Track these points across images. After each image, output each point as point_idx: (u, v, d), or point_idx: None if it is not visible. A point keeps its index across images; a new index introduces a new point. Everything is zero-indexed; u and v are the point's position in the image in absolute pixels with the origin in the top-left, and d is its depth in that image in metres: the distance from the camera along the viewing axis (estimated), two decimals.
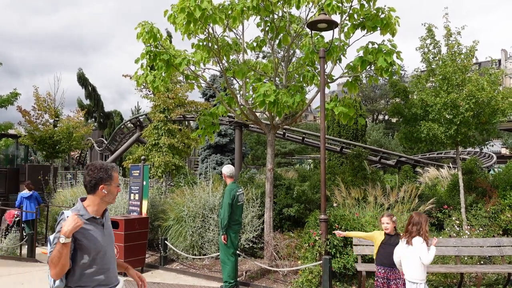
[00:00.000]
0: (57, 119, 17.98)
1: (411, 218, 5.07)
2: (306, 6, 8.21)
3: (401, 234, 5.22)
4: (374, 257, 5.59)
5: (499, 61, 63.83)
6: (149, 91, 16.86)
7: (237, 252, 7.46)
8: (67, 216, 2.86)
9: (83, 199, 3.08)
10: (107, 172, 3.06)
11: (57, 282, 2.86)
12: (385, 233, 5.51)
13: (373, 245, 7.09)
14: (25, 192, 12.59)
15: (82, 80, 48.31)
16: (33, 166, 18.78)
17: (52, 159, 18.34)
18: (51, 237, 2.85)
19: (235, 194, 7.15)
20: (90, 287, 2.92)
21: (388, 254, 5.30)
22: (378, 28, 8.00)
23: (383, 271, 5.37)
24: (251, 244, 8.98)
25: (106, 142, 34.65)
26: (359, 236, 6.24)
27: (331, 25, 7.42)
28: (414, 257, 4.91)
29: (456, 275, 7.37)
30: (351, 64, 8.35)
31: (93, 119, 48.64)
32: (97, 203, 3.05)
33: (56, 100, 18.25)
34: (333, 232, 6.67)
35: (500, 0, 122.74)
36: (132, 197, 9.81)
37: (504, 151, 36.19)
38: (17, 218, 12.11)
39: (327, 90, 8.30)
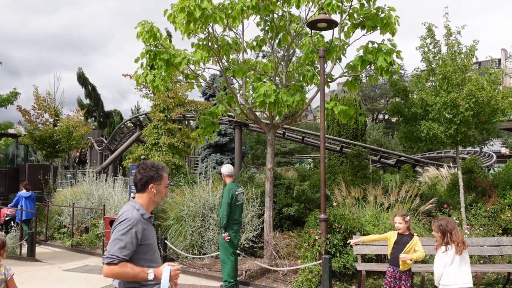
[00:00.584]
0: (57, 118, 17.97)
1: (447, 225, 4.75)
2: (306, 5, 8.21)
3: (436, 244, 4.89)
4: (388, 257, 5.54)
5: (499, 60, 63.82)
6: (149, 91, 16.89)
7: (237, 251, 7.46)
8: (137, 221, 2.89)
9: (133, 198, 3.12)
10: (158, 172, 3.07)
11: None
12: (398, 233, 5.42)
13: (373, 245, 7.14)
14: (25, 192, 12.60)
15: (82, 79, 48.28)
16: (33, 165, 18.77)
17: (52, 158, 18.34)
18: (118, 243, 2.81)
19: (234, 194, 7.14)
20: (150, 285, 2.91)
21: (400, 253, 5.24)
22: (378, 28, 8.00)
23: (392, 270, 5.33)
24: (251, 244, 8.98)
25: (106, 142, 34.64)
26: (373, 240, 6.07)
27: (331, 24, 7.41)
28: (466, 263, 4.69)
29: None
30: (351, 63, 8.35)
31: (93, 119, 48.62)
32: (147, 202, 3.07)
33: (56, 99, 18.24)
34: (348, 242, 6.33)
35: (500, 0, 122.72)
36: (132, 196, 9.81)
37: (504, 150, 36.18)
38: (7, 218, 12.13)
39: (327, 90, 8.29)
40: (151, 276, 2.84)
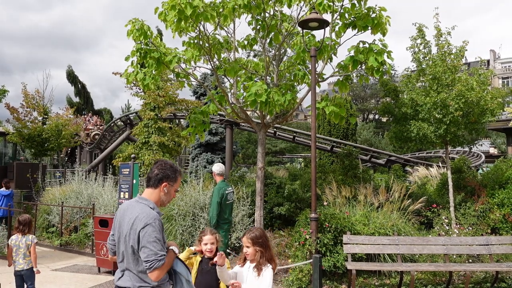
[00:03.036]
0: (46, 116, 17.81)
1: (255, 234, 3.71)
2: (297, 5, 8.20)
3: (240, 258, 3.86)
4: None
5: (488, 61, 64.47)
6: (140, 89, 16.79)
7: (228, 251, 7.44)
8: (159, 218, 2.91)
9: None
10: (174, 173, 3.09)
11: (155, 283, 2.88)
12: (203, 257, 4.16)
13: (363, 244, 7.16)
14: (4, 190, 12.50)
15: (72, 77, 47.93)
16: (21, 164, 18.59)
17: (41, 157, 18.17)
18: (158, 243, 2.83)
19: (224, 193, 7.12)
20: (164, 284, 2.96)
21: (207, 284, 4.03)
22: (369, 28, 8.01)
23: None
24: (241, 243, 8.96)
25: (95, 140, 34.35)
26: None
27: (322, 24, 7.42)
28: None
29: (445, 273, 7.43)
30: (342, 63, 8.36)
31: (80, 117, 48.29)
32: (157, 200, 3.05)
33: (45, 97, 18.09)
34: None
35: (492, 2, 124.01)
36: (122, 196, 9.73)
37: (493, 150, 36.60)
38: None
39: (318, 89, 8.30)
40: (175, 249, 2.99)
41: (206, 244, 4.13)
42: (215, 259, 3.65)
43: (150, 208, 2.93)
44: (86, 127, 33.29)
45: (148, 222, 2.81)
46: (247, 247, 3.63)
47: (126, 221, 2.92)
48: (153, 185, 3.03)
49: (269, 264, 3.61)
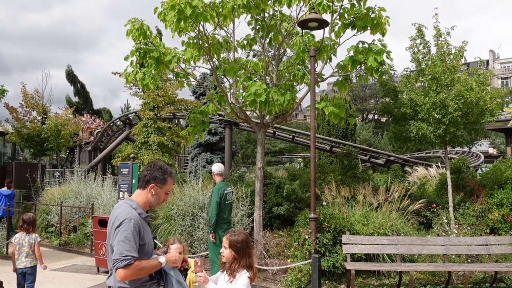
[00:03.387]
0: (45, 116, 17.80)
1: (235, 237, 3.35)
2: (297, 5, 8.20)
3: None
4: None
5: (487, 61, 64.53)
6: (139, 89, 16.78)
7: None
8: (137, 218, 2.88)
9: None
10: (163, 174, 3.03)
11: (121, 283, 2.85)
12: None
13: (362, 244, 7.16)
14: (5, 190, 12.50)
15: (71, 77, 47.90)
16: (20, 163, 18.56)
17: (40, 157, 18.16)
18: (128, 243, 2.77)
19: (223, 193, 7.12)
20: (147, 286, 2.92)
21: None
22: (369, 28, 8.02)
23: None
24: None
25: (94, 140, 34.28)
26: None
27: (322, 24, 7.42)
28: None
29: (444, 273, 7.43)
30: (341, 63, 8.36)
31: (82, 117, 48.24)
32: (144, 201, 3.02)
33: (44, 97, 18.10)
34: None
35: (491, 2, 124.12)
36: (121, 195, 9.73)
37: (492, 150, 36.61)
38: None
39: (317, 89, 8.30)
40: (162, 259, 2.92)
41: None
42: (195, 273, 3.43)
43: (133, 208, 2.93)
44: (88, 127, 33.27)
45: (123, 222, 2.81)
46: (225, 247, 3.38)
47: (111, 220, 2.95)
48: (141, 186, 3.03)
49: (245, 271, 3.28)
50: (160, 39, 8.61)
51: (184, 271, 3.49)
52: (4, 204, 12.06)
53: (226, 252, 3.38)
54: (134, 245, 2.79)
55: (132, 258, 2.74)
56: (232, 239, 3.35)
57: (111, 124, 30.39)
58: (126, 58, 8.14)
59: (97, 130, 32.63)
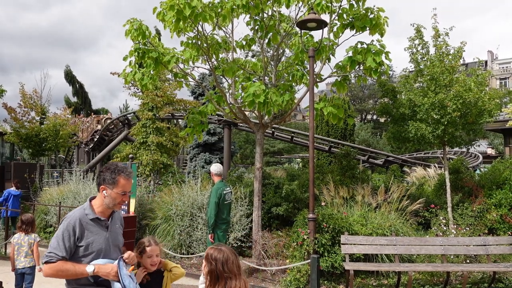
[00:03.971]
0: (44, 116, 17.78)
1: (214, 255, 2.76)
2: (296, 5, 8.21)
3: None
4: None
5: (485, 62, 64.60)
6: (138, 89, 16.76)
7: None
8: (76, 219, 2.87)
9: (92, 198, 3.04)
10: (112, 175, 2.95)
11: None
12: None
13: (360, 245, 7.17)
14: (14, 190, 12.50)
15: (70, 77, 47.85)
16: (19, 164, 18.56)
17: (38, 157, 18.13)
18: (57, 241, 2.82)
19: (221, 193, 7.13)
20: (87, 286, 2.87)
21: None
22: (367, 28, 8.03)
23: None
24: (239, 243, 8.96)
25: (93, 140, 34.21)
26: None
27: (321, 24, 7.43)
28: None
29: (442, 273, 7.44)
30: (340, 63, 8.37)
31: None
32: (101, 204, 2.99)
33: (43, 97, 18.06)
34: None
35: (490, 3, 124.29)
36: None
37: (490, 151, 36.68)
38: None
39: (316, 90, 8.31)
40: (90, 269, 2.78)
41: (150, 256, 3.31)
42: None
43: (83, 209, 2.95)
44: (96, 116, 32.95)
45: (63, 221, 2.87)
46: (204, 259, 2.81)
47: None
48: (98, 190, 3.03)
49: None
50: (159, 39, 8.62)
51: (159, 273, 3.35)
52: (13, 204, 12.06)
53: (203, 266, 2.77)
54: (63, 244, 2.79)
55: (54, 256, 2.77)
56: (211, 257, 2.73)
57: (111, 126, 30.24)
58: (125, 58, 8.14)
59: (106, 117, 32.10)
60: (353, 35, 8.35)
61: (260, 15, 8.37)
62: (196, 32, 7.90)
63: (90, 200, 3.03)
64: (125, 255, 2.96)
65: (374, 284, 7.39)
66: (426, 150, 26.24)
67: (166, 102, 16.54)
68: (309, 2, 7.86)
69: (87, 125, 32.02)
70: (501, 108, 14.27)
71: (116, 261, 2.88)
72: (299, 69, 9.03)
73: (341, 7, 8.00)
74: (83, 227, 2.87)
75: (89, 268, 2.79)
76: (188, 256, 8.90)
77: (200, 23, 7.69)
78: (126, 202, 9.37)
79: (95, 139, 29.91)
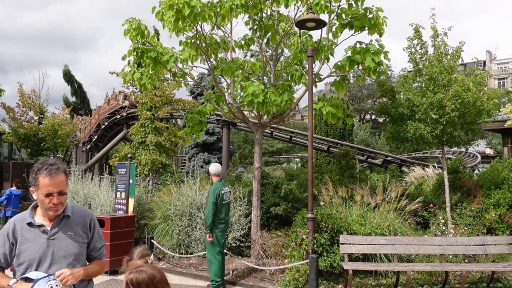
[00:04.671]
0: (42, 116, 17.76)
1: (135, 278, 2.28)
2: (294, 5, 8.22)
3: None
4: None
5: (484, 62, 64.67)
6: (136, 89, 16.77)
7: (224, 251, 7.44)
8: (12, 223, 2.63)
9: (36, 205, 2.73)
10: (32, 174, 2.59)
11: None
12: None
13: (360, 244, 7.17)
14: (15, 190, 12.50)
15: (68, 77, 47.77)
16: (17, 163, 18.52)
17: (37, 156, 18.11)
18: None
19: (220, 193, 7.13)
20: None
21: None
22: (366, 28, 8.04)
23: None
24: (238, 243, 8.96)
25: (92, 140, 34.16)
26: None
27: (320, 24, 7.43)
28: None
29: (441, 273, 7.45)
30: (339, 63, 8.37)
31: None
32: (39, 206, 2.67)
33: (42, 97, 18.07)
34: None
35: (489, 3, 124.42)
36: (118, 196, 9.72)
37: (489, 151, 36.75)
38: None
39: (314, 90, 8.31)
40: (11, 282, 2.50)
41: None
42: None
43: (26, 213, 2.67)
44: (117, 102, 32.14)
45: None
46: None
47: None
48: None
49: None
50: (158, 39, 8.61)
51: None
52: (14, 204, 12.05)
53: None
54: None
55: None
56: (129, 278, 2.26)
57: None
58: (123, 58, 8.13)
59: (129, 92, 29.55)
60: (352, 35, 8.36)
61: (259, 14, 8.37)
62: (195, 32, 7.90)
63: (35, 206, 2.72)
64: (57, 273, 2.52)
65: (372, 283, 7.40)
66: (425, 150, 26.27)
67: (164, 101, 16.55)
68: (308, 2, 7.86)
69: (86, 125, 31.92)
70: (499, 108, 14.29)
71: (41, 278, 2.49)
72: (298, 69, 9.03)
73: (340, 7, 8.01)
74: (17, 233, 2.58)
75: (9, 283, 2.49)
76: (186, 256, 8.90)
77: (199, 22, 7.68)
78: (125, 202, 9.35)
79: (112, 118, 27.57)
